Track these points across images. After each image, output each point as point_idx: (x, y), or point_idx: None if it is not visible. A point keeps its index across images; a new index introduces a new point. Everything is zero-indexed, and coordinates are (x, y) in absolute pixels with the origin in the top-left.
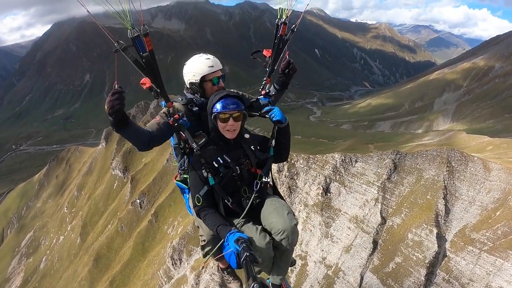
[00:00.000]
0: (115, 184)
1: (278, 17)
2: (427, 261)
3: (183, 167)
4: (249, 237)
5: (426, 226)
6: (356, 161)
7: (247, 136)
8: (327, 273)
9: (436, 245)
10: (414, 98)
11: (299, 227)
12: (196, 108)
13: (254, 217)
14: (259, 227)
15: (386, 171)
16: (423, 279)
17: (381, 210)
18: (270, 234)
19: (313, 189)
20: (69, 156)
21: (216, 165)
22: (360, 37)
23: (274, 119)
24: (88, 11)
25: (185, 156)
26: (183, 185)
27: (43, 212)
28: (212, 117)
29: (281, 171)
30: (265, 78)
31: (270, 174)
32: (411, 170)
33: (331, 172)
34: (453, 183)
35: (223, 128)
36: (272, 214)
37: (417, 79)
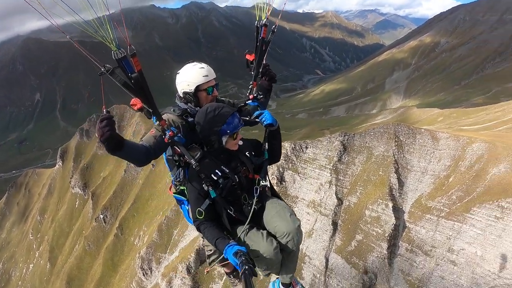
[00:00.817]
0: (77, 203)
1: (257, 19)
2: (387, 235)
3: (179, 179)
4: (249, 250)
5: (381, 201)
6: (306, 147)
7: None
8: None
9: (394, 218)
10: (365, 81)
11: None
12: (191, 118)
13: (257, 221)
14: (265, 233)
15: (336, 153)
16: (386, 252)
17: (336, 191)
18: (275, 237)
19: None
20: (27, 180)
21: (215, 178)
22: (308, 27)
23: (265, 123)
24: (70, 38)
25: (180, 168)
26: (181, 197)
27: (9, 243)
28: (225, 139)
29: None
30: (251, 82)
31: (267, 177)
32: (360, 149)
33: (283, 161)
34: (403, 156)
35: (233, 144)
36: (274, 218)
37: (367, 61)
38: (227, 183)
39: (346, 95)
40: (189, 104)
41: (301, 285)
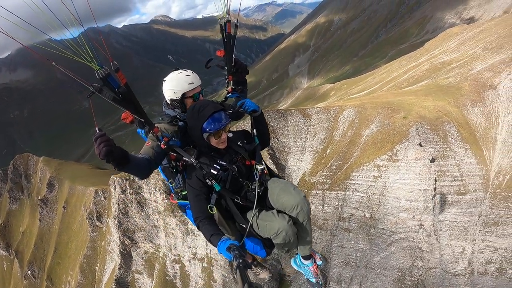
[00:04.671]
0: (4, 265)
1: (219, 17)
2: None
3: (179, 185)
4: (265, 230)
5: None
6: None
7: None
8: (203, 265)
9: None
10: (270, 71)
11: (161, 235)
12: (181, 122)
13: (263, 204)
14: (275, 211)
15: None
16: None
17: None
18: (285, 213)
19: (158, 195)
20: None
21: (215, 172)
22: (211, 31)
23: (249, 110)
24: (64, 69)
25: (179, 174)
26: (186, 201)
27: None
28: (205, 136)
29: (124, 191)
30: (227, 77)
31: (262, 160)
32: None
33: None
34: (278, 140)
35: (217, 143)
36: (280, 195)
37: (270, 53)
38: (228, 174)
39: (254, 89)
40: (176, 110)
41: (320, 254)
